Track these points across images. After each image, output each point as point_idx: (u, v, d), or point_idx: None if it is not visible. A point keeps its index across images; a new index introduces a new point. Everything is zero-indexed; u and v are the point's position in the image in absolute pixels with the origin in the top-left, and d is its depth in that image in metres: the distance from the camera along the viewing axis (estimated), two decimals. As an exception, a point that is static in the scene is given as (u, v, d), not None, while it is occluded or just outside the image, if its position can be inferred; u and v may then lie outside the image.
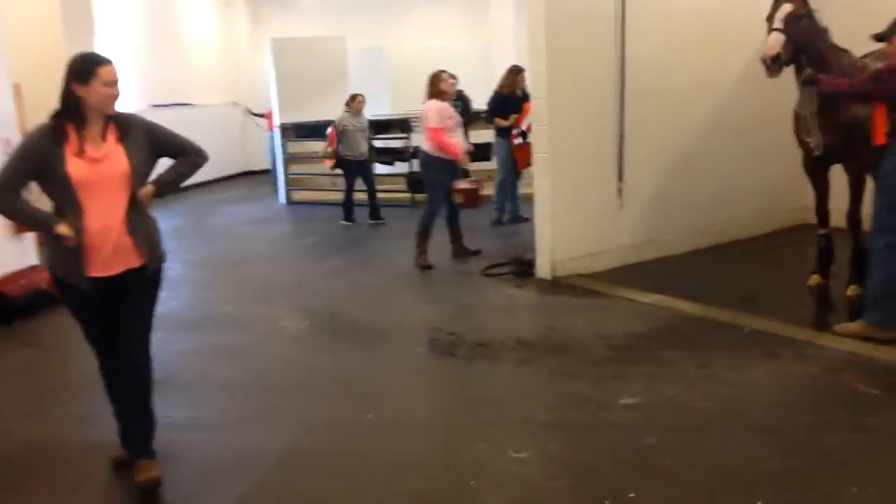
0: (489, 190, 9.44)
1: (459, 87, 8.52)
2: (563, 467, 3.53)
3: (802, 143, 5.69)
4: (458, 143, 7.26)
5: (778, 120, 7.71)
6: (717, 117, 7.32)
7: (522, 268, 6.87)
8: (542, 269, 6.69)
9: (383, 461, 3.65)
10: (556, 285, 6.48)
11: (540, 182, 6.64)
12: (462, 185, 7.38)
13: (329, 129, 10.11)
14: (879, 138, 4.60)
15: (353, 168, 9.96)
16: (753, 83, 7.38)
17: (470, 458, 3.62)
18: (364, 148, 9.97)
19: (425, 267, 7.24)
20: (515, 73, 8.95)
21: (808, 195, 7.90)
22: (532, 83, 6.59)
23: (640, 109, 6.71)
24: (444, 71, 7.30)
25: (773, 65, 5.07)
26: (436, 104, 7.16)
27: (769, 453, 3.49)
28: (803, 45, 5.13)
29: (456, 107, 7.75)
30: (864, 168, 5.46)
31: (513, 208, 9.28)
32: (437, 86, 7.18)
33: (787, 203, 7.98)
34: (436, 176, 7.31)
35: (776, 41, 5.06)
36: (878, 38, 4.74)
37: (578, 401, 4.19)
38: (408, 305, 6.30)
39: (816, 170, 5.76)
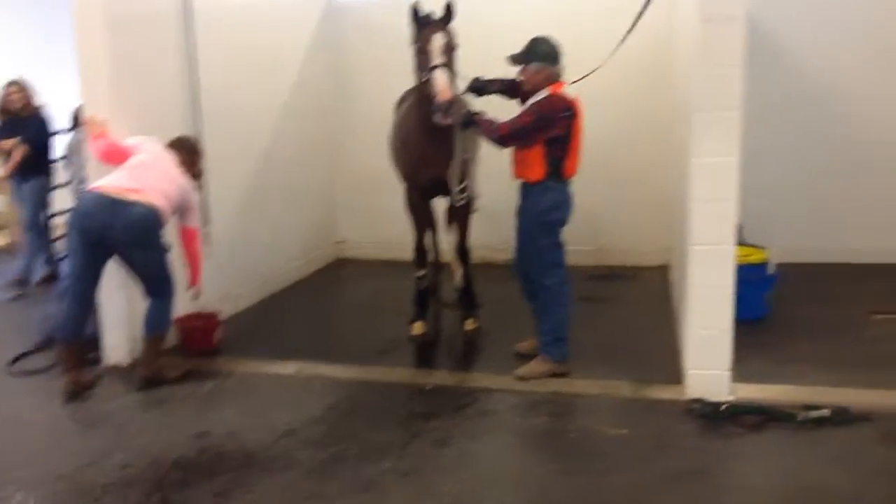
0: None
1: None
2: None
3: (409, 180, 5.28)
4: None
5: (314, 155, 7.37)
6: (269, 153, 6.54)
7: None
8: (116, 350, 4.91)
9: None
10: (146, 370, 4.82)
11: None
12: None
13: None
14: (537, 174, 4.47)
15: None
16: (294, 118, 6.91)
17: None
18: None
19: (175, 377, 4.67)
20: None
21: (341, 231, 7.84)
22: (87, 102, 4.74)
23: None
24: None
25: (451, 108, 4.37)
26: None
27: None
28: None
29: None
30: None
31: (48, 261, 6.98)
32: None
33: (326, 240, 7.71)
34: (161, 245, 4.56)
35: (446, 81, 4.36)
36: (515, 60, 4.41)
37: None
38: None
39: (425, 207, 5.44)
